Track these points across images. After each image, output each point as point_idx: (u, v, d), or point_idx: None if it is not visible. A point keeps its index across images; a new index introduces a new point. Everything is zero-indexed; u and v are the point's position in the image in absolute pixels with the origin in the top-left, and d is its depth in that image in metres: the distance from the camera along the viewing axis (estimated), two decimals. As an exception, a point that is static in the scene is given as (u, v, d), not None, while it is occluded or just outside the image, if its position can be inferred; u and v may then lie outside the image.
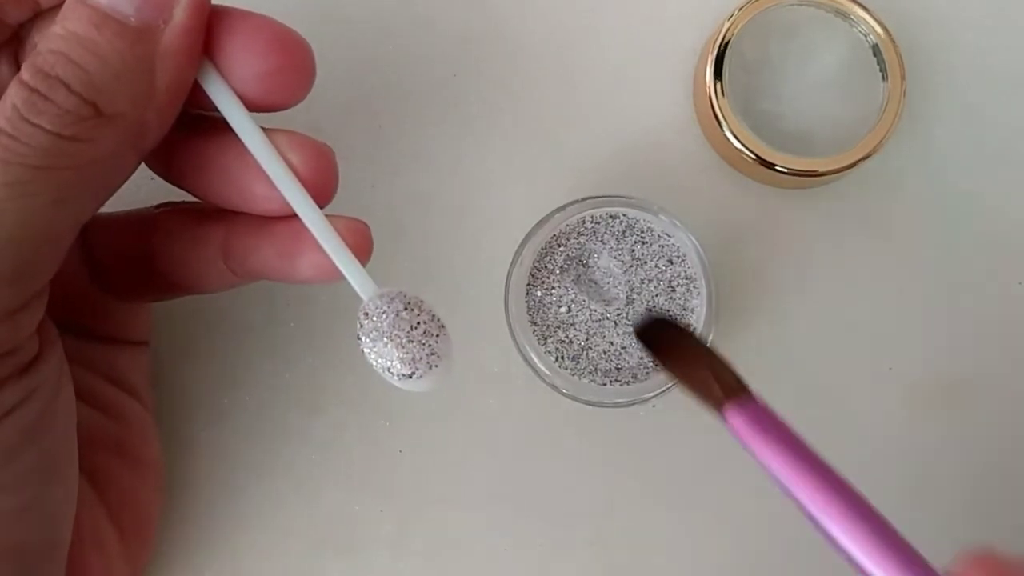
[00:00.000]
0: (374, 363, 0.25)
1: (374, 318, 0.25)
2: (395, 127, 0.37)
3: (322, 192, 0.25)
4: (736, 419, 0.25)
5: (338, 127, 0.36)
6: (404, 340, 0.24)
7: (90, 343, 0.30)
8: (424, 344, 0.25)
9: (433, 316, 0.25)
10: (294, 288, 0.35)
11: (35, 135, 0.22)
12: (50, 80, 0.22)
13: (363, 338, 0.25)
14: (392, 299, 0.25)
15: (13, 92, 0.22)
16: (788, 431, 0.25)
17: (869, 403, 0.36)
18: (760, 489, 0.36)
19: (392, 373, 0.25)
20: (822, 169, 0.35)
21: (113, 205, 0.25)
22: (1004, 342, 0.36)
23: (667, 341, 0.29)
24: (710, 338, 0.34)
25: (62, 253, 0.24)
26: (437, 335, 0.25)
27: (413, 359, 0.25)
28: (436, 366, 0.25)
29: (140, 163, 0.24)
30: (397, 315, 0.24)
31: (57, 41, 0.22)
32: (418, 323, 0.25)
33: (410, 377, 0.25)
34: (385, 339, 0.24)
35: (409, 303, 0.25)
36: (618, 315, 0.34)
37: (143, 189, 0.31)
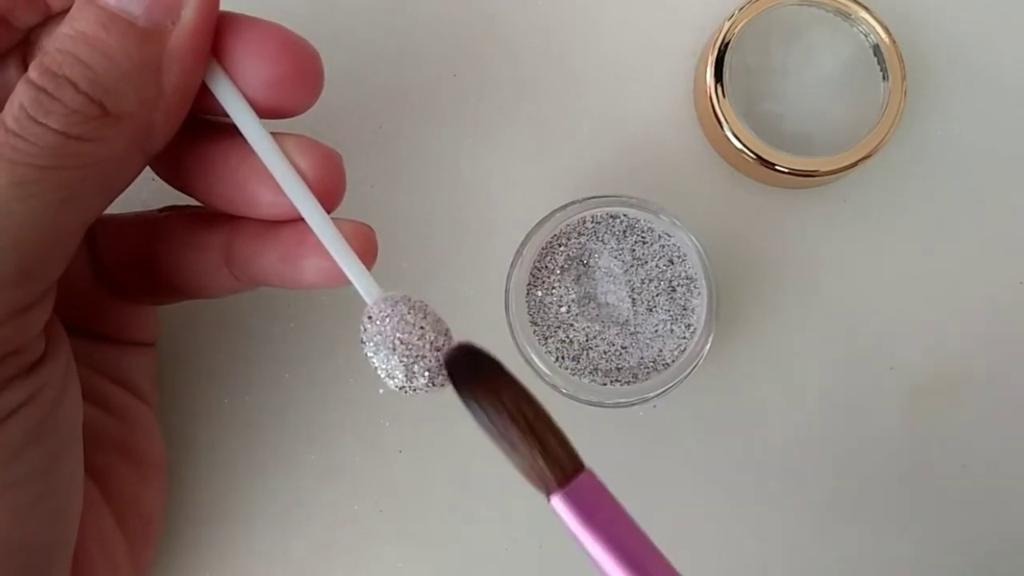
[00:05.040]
0: (377, 367, 0.25)
1: (378, 322, 0.24)
2: (395, 127, 0.37)
3: (329, 196, 0.25)
4: (563, 506, 0.23)
5: (338, 127, 0.36)
6: (407, 345, 0.24)
7: (95, 344, 0.30)
8: (427, 349, 0.24)
9: (437, 320, 0.25)
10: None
11: (42, 135, 0.22)
12: (57, 79, 0.22)
13: (366, 342, 0.25)
14: (396, 303, 0.25)
15: (21, 91, 0.22)
16: (617, 515, 0.23)
17: (869, 403, 0.36)
18: (759, 489, 0.36)
19: (394, 379, 0.25)
20: (822, 169, 0.35)
21: (113, 206, 0.25)
22: (1004, 342, 0.36)
23: (482, 387, 0.24)
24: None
25: (69, 254, 0.24)
26: (442, 342, 0.25)
27: (415, 364, 0.24)
28: (436, 373, 0.25)
29: (147, 164, 0.24)
30: (401, 319, 0.24)
31: (65, 41, 0.22)
32: (422, 328, 0.25)
33: (410, 383, 0.25)
34: (388, 343, 0.24)
35: (413, 307, 0.25)
36: (624, 322, 0.34)
37: (145, 190, 0.31)
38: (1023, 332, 0.36)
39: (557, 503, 0.23)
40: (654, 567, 0.23)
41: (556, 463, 0.23)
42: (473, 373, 0.24)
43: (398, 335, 0.24)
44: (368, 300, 0.25)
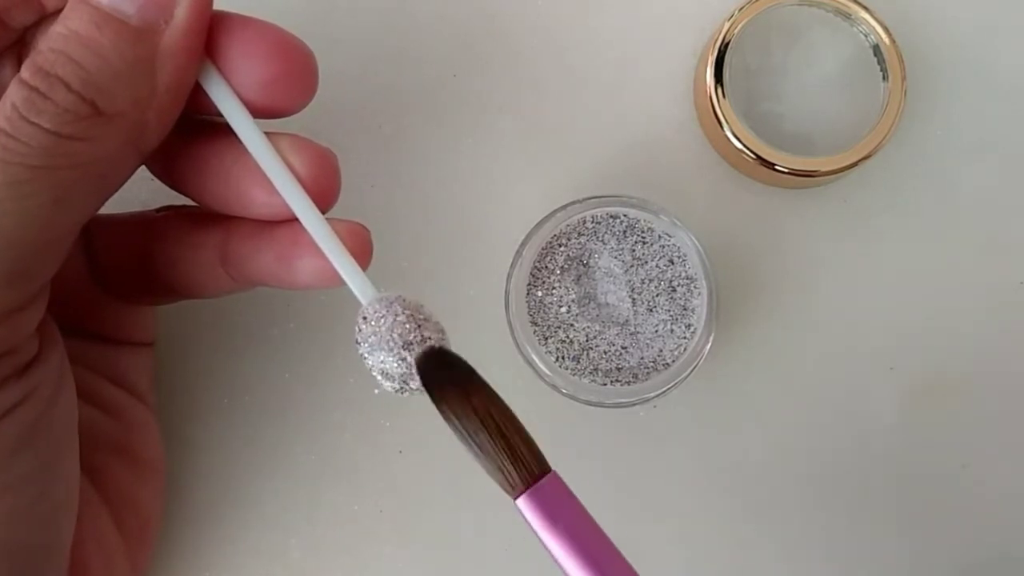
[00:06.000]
0: (372, 368, 0.25)
1: (372, 323, 0.24)
2: (395, 127, 0.37)
3: (324, 196, 0.25)
4: (528, 507, 0.23)
5: (338, 127, 0.36)
6: (401, 346, 0.24)
7: (93, 344, 0.30)
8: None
9: (433, 321, 0.25)
10: (294, 288, 0.35)
11: (34, 134, 0.22)
12: (50, 79, 0.22)
13: (361, 343, 0.24)
14: (391, 303, 0.24)
15: (13, 91, 0.22)
16: (581, 518, 0.24)
17: (869, 403, 0.36)
18: (759, 489, 0.36)
19: (388, 379, 0.25)
20: (822, 169, 0.35)
21: (112, 206, 0.25)
22: (1004, 342, 0.36)
23: (453, 390, 0.24)
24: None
25: (62, 254, 0.24)
26: (437, 341, 0.25)
27: (409, 366, 0.24)
28: None
29: (141, 164, 0.24)
30: (395, 319, 0.24)
31: (58, 40, 0.22)
32: (418, 328, 0.24)
33: (406, 384, 0.25)
34: (383, 344, 0.24)
35: (408, 308, 0.25)
36: (625, 322, 0.34)
37: (143, 190, 0.31)
38: (1023, 332, 0.36)
39: (522, 504, 0.24)
40: (614, 569, 0.23)
41: (523, 465, 0.24)
42: (444, 375, 0.24)
43: (392, 336, 0.24)
44: (363, 300, 0.25)
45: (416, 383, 0.24)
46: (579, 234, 0.34)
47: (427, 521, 0.35)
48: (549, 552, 0.23)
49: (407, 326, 0.24)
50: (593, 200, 0.34)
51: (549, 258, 0.34)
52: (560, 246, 0.34)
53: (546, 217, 0.34)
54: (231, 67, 0.24)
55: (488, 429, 0.24)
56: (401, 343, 0.24)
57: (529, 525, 0.24)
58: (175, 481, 0.34)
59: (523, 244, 0.34)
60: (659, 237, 0.34)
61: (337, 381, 0.36)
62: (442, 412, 0.24)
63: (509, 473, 0.24)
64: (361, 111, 0.37)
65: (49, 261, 0.23)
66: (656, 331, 0.34)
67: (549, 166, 0.37)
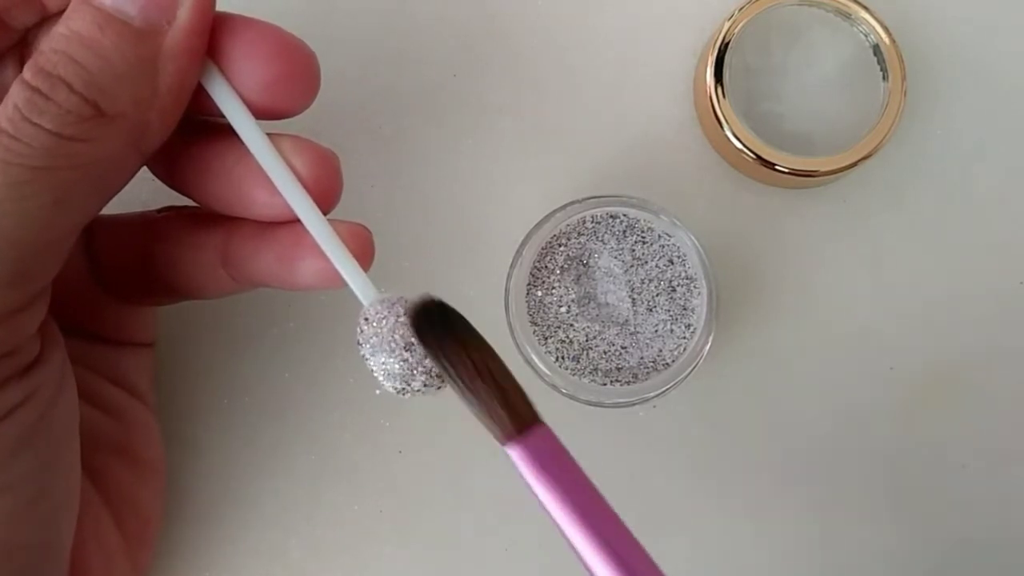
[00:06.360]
0: (373, 369, 0.25)
1: (374, 324, 0.24)
2: (395, 128, 0.37)
3: (325, 197, 0.25)
4: (518, 454, 0.23)
5: (338, 128, 0.36)
6: (403, 347, 0.24)
7: (94, 344, 0.30)
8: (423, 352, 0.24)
9: None
10: (294, 289, 0.35)
11: (36, 135, 0.22)
12: (52, 79, 0.22)
13: (363, 344, 0.24)
14: (393, 305, 0.25)
15: (15, 92, 0.22)
16: (571, 469, 0.24)
17: (869, 403, 0.36)
18: (759, 490, 0.36)
19: (390, 380, 0.25)
20: (822, 169, 0.35)
21: (113, 206, 0.25)
22: (1005, 342, 0.36)
23: (450, 339, 0.24)
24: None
25: (63, 254, 0.24)
26: None
27: (411, 367, 0.24)
28: (434, 375, 0.25)
29: (143, 165, 0.24)
30: (397, 320, 0.24)
31: (60, 40, 0.22)
32: None
33: (408, 385, 0.24)
34: (384, 346, 0.24)
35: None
36: (624, 322, 0.34)
37: (144, 191, 0.31)
38: (1023, 332, 0.36)
39: (513, 451, 0.23)
40: (602, 517, 0.23)
41: (516, 413, 0.24)
42: (442, 326, 0.24)
43: (394, 337, 0.24)
44: (364, 302, 0.25)
45: (418, 384, 0.24)
46: (579, 234, 0.34)
47: (427, 521, 0.35)
48: (539, 502, 0.23)
49: (408, 328, 0.24)
50: (593, 200, 0.34)
51: (549, 258, 0.34)
52: (560, 246, 0.34)
53: (546, 217, 0.34)
54: (233, 68, 0.24)
55: (483, 377, 0.24)
56: (403, 344, 0.24)
57: (520, 475, 0.23)
58: (175, 481, 0.34)
59: (523, 244, 0.34)
60: (659, 237, 0.34)
61: (337, 381, 0.36)
62: (437, 359, 0.24)
63: (502, 419, 0.23)
64: (361, 112, 0.37)
65: (50, 262, 0.23)
66: (656, 331, 0.34)
67: (549, 166, 0.37)
